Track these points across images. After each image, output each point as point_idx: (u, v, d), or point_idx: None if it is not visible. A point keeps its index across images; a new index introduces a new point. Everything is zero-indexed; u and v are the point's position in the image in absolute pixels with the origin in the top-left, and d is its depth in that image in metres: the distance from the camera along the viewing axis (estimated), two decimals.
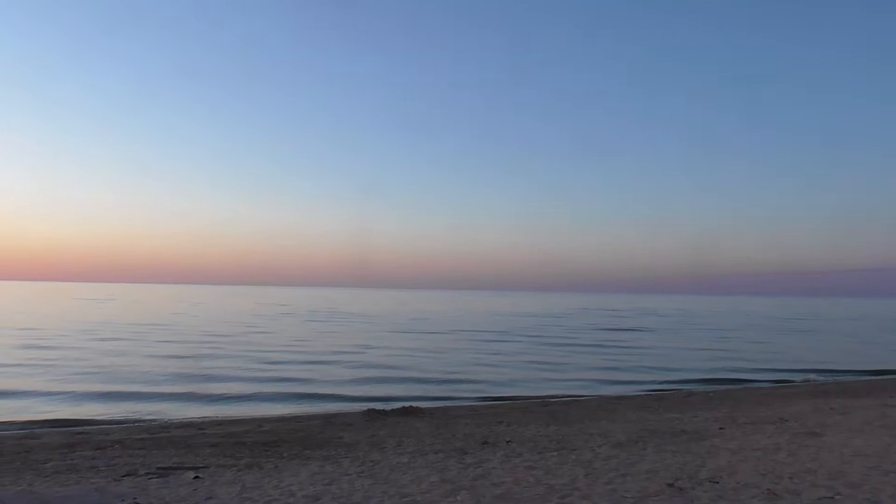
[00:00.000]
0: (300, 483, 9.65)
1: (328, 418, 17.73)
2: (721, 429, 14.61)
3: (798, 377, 29.52)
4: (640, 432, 14.29)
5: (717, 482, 9.29)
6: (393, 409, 18.27)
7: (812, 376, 29.87)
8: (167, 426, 16.63)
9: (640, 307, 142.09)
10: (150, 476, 10.24)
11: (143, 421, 17.82)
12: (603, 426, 15.43)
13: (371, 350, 38.28)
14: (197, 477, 10.12)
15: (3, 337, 41.86)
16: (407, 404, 19.30)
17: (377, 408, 18.66)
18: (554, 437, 13.83)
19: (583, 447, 12.50)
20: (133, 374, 26.39)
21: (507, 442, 13.29)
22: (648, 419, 16.55)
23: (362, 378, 26.82)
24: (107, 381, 24.38)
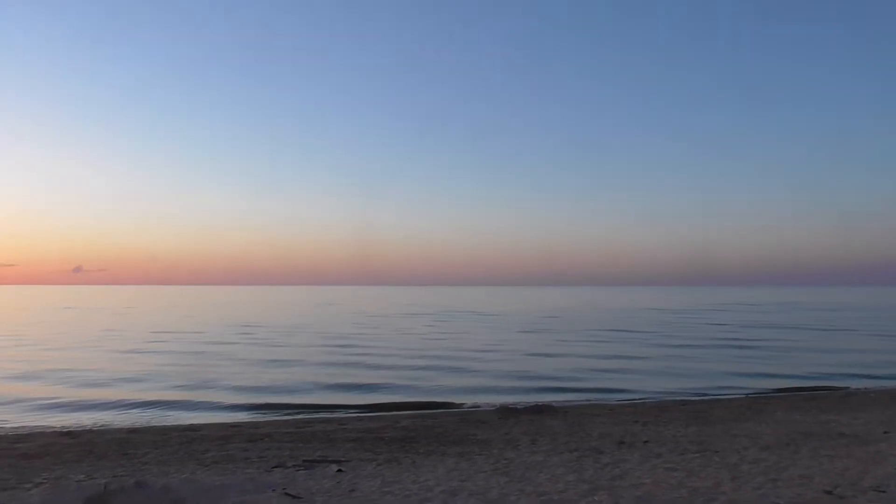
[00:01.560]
0: (437, 478, 9.84)
1: (462, 416, 17.96)
2: (886, 432, 13.39)
3: None
4: (791, 434, 13.38)
5: (884, 491, 8.53)
6: (526, 407, 18.20)
7: None
8: (311, 421, 17.51)
9: (775, 301, 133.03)
10: (297, 468, 10.82)
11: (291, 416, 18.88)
12: (749, 427, 14.58)
13: (505, 350, 38.39)
14: (340, 470, 10.57)
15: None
16: (540, 402, 19.17)
17: (510, 406, 18.67)
18: (695, 439, 13.24)
19: (727, 449, 11.88)
20: (294, 377, 28.08)
21: (645, 442, 12.88)
22: (800, 421, 15.46)
23: (497, 377, 26.96)
24: (269, 384, 26.06)
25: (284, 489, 9.15)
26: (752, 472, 9.85)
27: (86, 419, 18.29)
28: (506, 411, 17.77)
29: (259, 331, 52.37)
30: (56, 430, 16.71)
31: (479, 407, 19.97)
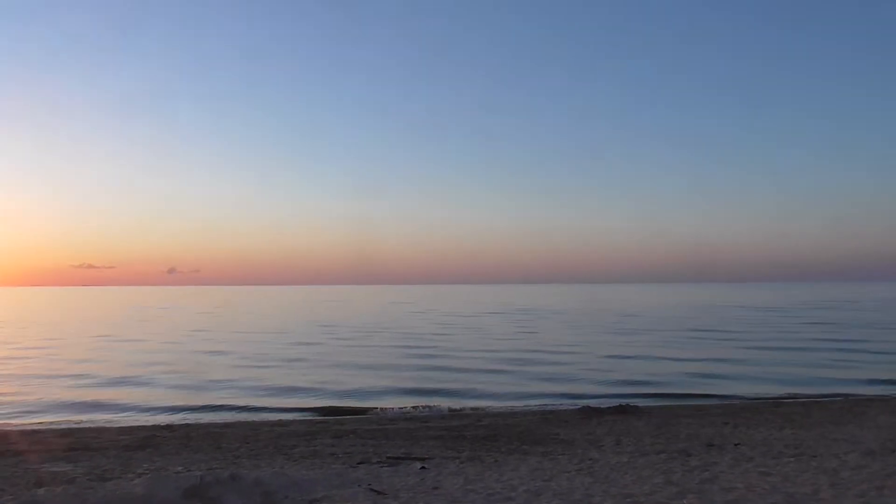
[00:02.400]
0: (520, 478, 9.78)
1: (544, 415, 17.82)
2: None
3: None
4: None
5: None
6: (609, 407, 17.88)
7: None
8: (394, 419, 17.77)
9: (876, 299, 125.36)
10: (381, 465, 11.00)
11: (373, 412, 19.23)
12: (849, 431, 13.82)
13: (586, 350, 37.90)
14: (423, 467, 10.67)
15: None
16: (623, 402, 18.79)
17: (593, 405, 18.38)
18: (790, 442, 12.65)
19: (825, 454, 11.29)
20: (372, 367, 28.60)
21: (736, 445, 12.41)
22: None
23: (579, 377, 26.63)
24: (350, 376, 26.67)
25: (370, 485, 9.31)
26: (853, 478, 9.32)
27: (178, 417, 19.18)
28: (589, 411, 17.51)
29: (340, 331, 53.56)
30: (155, 424, 17.61)
31: (561, 406, 19.76)
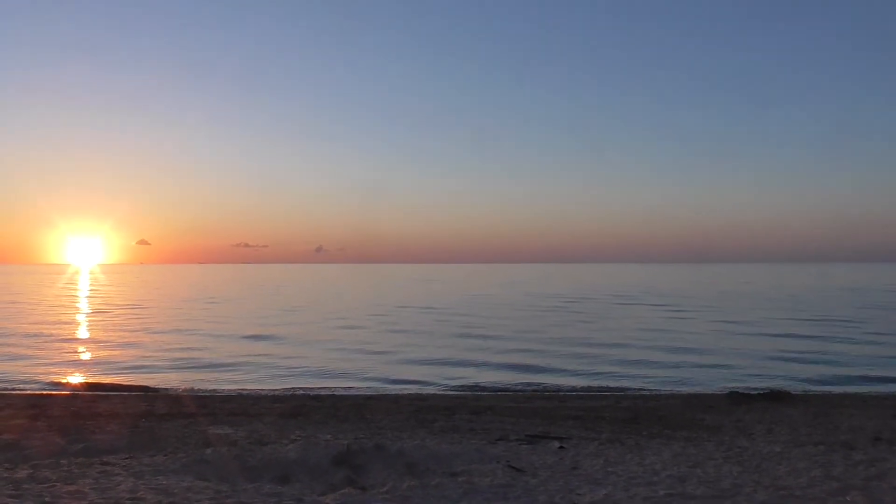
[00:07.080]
0: (663, 462, 9.48)
1: (687, 399, 17.15)
2: None
3: None
4: None
5: None
6: (759, 393, 16.90)
7: None
8: (531, 397, 17.79)
9: None
10: (519, 442, 11.05)
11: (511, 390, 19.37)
12: None
13: (734, 332, 36.03)
14: (562, 447, 10.61)
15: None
16: (775, 388, 17.69)
17: (741, 391, 17.45)
18: None
19: None
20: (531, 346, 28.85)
21: None
22: None
23: (724, 360, 25.39)
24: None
25: (508, 462, 9.39)
26: None
27: (323, 385, 20.26)
28: (737, 397, 16.63)
29: (478, 309, 54.20)
30: (304, 393, 18.73)
31: (706, 391, 18.93)
